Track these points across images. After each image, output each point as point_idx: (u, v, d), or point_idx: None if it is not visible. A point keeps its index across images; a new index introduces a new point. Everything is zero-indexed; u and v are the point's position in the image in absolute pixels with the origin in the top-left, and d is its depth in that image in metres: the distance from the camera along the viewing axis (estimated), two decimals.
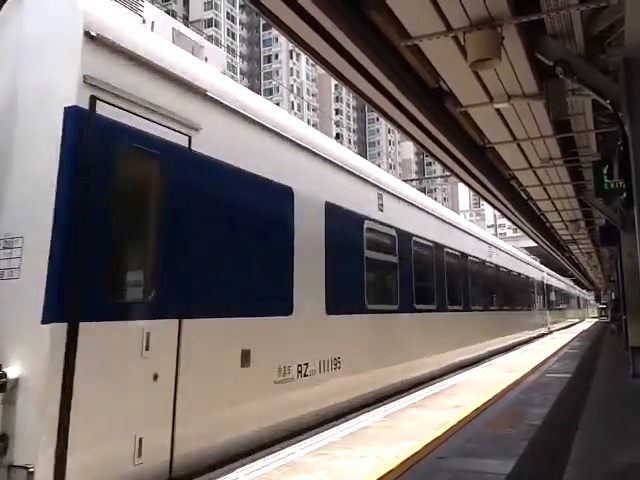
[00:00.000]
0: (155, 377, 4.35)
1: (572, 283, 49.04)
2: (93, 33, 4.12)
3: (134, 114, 4.41)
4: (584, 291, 66.08)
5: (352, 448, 5.09)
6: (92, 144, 4.06)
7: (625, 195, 6.29)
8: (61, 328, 3.72)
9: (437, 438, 5.43)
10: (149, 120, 4.54)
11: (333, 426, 6.12)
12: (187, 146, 4.93)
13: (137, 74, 4.51)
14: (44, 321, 3.69)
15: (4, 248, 3.96)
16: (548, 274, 30.56)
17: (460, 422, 6.18)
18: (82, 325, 3.83)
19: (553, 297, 32.47)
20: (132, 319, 4.26)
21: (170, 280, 4.60)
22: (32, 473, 3.52)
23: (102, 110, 4.14)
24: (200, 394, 4.77)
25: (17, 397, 3.67)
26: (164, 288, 4.54)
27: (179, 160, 4.82)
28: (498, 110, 7.71)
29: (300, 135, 6.82)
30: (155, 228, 4.59)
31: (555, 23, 5.72)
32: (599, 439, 5.61)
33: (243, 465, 4.61)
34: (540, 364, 12.64)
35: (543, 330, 26.80)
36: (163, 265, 4.58)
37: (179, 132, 4.85)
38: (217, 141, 5.29)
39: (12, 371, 3.70)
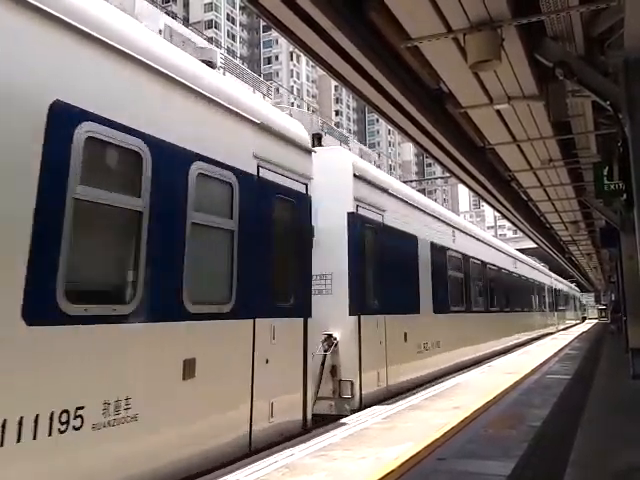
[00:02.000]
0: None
1: (538, 264, 28.64)
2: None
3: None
4: (572, 285, 45.45)
5: (352, 449, 5.09)
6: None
7: (625, 196, 6.28)
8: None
9: (437, 439, 5.43)
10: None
11: (333, 428, 6.12)
12: None
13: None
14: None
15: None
16: (428, 213, 11.57)
17: (460, 423, 6.18)
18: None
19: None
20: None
21: None
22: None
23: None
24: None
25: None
26: None
27: None
28: (498, 111, 7.71)
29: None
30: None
31: (555, 25, 5.72)
32: (599, 440, 5.61)
33: (242, 467, 4.60)
34: (540, 365, 12.64)
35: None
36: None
37: None
38: None
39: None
